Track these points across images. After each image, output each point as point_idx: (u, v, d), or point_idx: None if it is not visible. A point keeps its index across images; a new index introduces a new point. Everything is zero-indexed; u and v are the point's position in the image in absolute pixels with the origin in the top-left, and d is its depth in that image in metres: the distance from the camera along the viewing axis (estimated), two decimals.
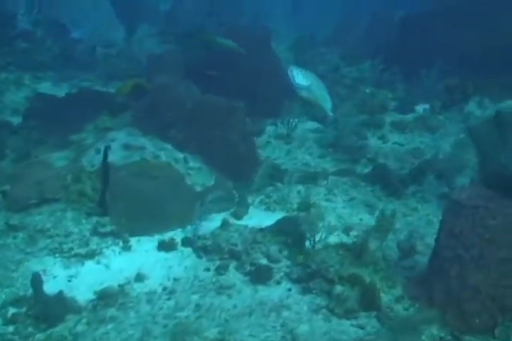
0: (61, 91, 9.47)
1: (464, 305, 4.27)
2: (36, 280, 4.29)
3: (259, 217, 5.91)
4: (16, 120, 7.63)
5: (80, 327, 4.22)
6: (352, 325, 4.31)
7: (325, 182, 6.81)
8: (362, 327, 4.29)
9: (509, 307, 4.22)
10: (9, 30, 10.89)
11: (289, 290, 4.67)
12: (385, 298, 4.53)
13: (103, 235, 5.25)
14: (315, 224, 5.47)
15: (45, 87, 10.04)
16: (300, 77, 6.49)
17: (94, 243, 5.17)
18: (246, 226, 5.31)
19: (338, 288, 4.51)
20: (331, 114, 6.85)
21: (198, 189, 5.86)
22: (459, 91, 8.44)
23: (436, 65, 9.01)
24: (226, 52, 8.16)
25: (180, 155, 6.03)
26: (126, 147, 5.82)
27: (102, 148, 5.34)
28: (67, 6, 12.76)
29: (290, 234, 5.21)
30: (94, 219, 5.34)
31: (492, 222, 4.24)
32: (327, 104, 6.67)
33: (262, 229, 5.31)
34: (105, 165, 5.24)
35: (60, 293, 4.38)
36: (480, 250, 4.25)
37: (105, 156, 5.23)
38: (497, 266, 4.23)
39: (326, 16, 18.99)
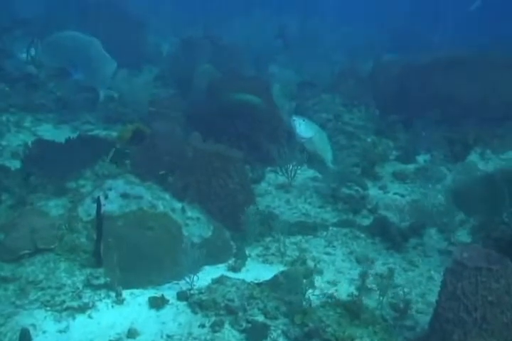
0: (62, 134, 9.49)
1: None
2: (25, 337, 4.16)
3: (257, 270, 5.79)
4: (15, 164, 7.56)
5: None
6: None
7: (325, 233, 6.72)
8: None
9: None
10: (12, 72, 10.96)
11: None
12: None
13: (96, 287, 5.12)
14: (312, 279, 5.39)
15: (46, 129, 10.05)
16: (303, 127, 6.51)
17: (87, 296, 5.03)
18: (243, 281, 5.19)
19: None
20: (331, 165, 6.83)
21: (196, 240, 5.75)
22: (460, 142, 8.44)
23: (437, 116, 9.03)
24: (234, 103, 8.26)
25: (179, 205, 5.95)
26: (124, 196, 5.74)
27: (96, 199, 5.25)
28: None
29: (287, 290, 5.08)
30: (88, 270, 5.21)
31: (495, 285, 4.14)
32: (328, 155, 6.66)
33: (259, 284, 5.20)
34: (99, 215, 5.15)
35: None
36: (483, 313, 4.14)
37: (98, 207, 5.15)
38: (501, 331, 4.11)
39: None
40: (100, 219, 5.15)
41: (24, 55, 12.18)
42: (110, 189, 5.80)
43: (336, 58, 19.58)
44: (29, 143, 7.52)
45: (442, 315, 4.31)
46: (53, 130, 10.12)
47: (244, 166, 6.86)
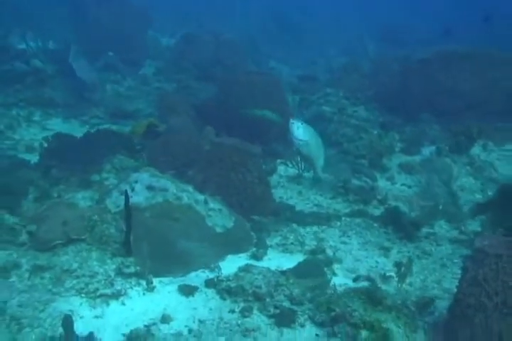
0: (71, 128, 9.71)
1: None
2: (67, 322, 4.36)
3: (278, 259, 6.02)
4: (31, 157, 7.73)
5: None
6: None
7: (338, 223, 6.95)
8: None
9: None
10: (21, 67, 11.09)
11: (316, 335, 4.74)
12: None
13: (127, 276, 5.33)
14: (334, 266, 5.63)
15: (56, 124, 10.23)
16: (300, 132, 6.72)
17: (119, 283, 5.24)
18: (269, 269, 5.41)
19: (364, 333, 4.60)
20: (319, 174, 7.04)
21: (219, 230, 5.97)
22: (464, 134, 8.69)
23: (440, 109, 9.28)
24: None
25: (201, 197, 6.16)
26: (150, 188, 5.93)
27: (124, 191, 5.45)
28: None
29: (312, 276, 5.32)
30: (119, 259, 5.43)
31: None
32: (319, 161, 6.87)
33: (284, 272, 5.42)
34: (127, 207, 5.35)
35: (91, 334, 4.45)
36: (504, 298, 4.37)
37: (127, 199, 5.35)
38: None
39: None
40: (129, 211, 5.36)
41: (22, 47, 12.35)
42: (136, 181, 5.99)
43: (330, 52, 19.90)
44: (47, 137, 7.67)
45: (463, 301, 4.54)
46: (62, 124, 10.30)
47: (261, 160, 7.06)
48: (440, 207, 7.15)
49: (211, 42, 14.24)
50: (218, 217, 6.11)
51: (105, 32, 14.02)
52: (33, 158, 7.64)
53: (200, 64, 13.32)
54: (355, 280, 5.54)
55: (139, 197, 5.83)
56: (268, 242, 6.34)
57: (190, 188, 6.21)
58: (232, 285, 5.20)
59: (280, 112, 8.58)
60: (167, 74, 13.77)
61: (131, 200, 5.46)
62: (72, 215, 5.61)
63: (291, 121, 6.96)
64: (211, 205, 6.17)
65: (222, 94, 9.17)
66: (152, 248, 5.50)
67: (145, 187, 5.94)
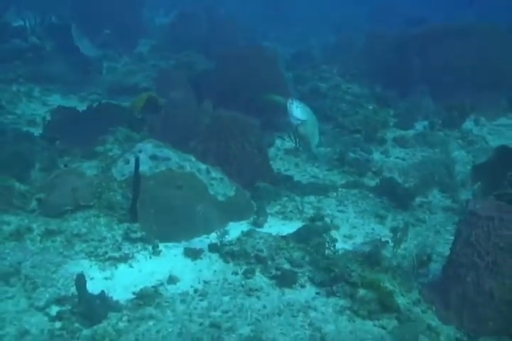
0: (70, 103, 9.81)
1: (479, 309, 4.63)
2: (80, 281, 4.57)
3: (278, 226, 6.25)
4: (34, 131, 7.88)
5: (122, 324, 4.50)
6: (375, 325, 4.65)
7: (335, 193, 7.18)
8: (384, 327, 4.63)
9: None
10: (20, 44, 11.18)
11: (317, 293, 4.99)
12: (403, 301, 4.89)
13: (134, 241, 5.54)
14: (332, 232, 5.86)
15: (55, 99, 10.37)
16: (298, 111, 6.89)
17: (126, 248, 5.46)
18: (270, 234, 5.64)
19: (361, 291, 4.85)
20: (313, 151, 7.24)
21: (220, 198, 6.18)
22: (457, 110, 8.91)
23: (434, 85, 9.48)
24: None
25: (203, 166, 6.35)
26: (153, 158, 6.12)
27: (134, 159, 5.63)
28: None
29: (311, 241, 5.55)
30: (125, 225, 5.64)
31: (506, 232, 4.62)
32: (314, 140, 7.06)
33: (284, 237, 5.65)
34: (137, 174, 5.54)
35: (102, 292, 4.67)
36: (494, 258, 4.63)
37: (137, 166, 5.54)
38: (510, 273, 4.61)
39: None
40: (138, 178, 5.56)
41: (19, 24, 12.42)
42: (140, 151, 6.18)
43: (323, 31, 20.01)
44: (49, 110, 7.83)
45: (456, 261, 4.80)
46: (62, 100, 10.44)
47: (260, 131, 7.24)
48: (435, 178, 7.35)
49: (205, 19, 14.33)
50: (220, 185, 6.31)
51: (100, 10, 14.08)
52: (36, 132, 7.80)
53: (196, 40, 13.41)
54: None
55: (143, 167, 6.01)
56: (268, 210, 6.55)
57: (193, 158, 6.40)
58: (235, 248, 5.43)
59: (277, 86, 8.76)
60: (162, 52, 13.89)
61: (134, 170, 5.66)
62: (80, 183, 5.80)
63: (290, 100, 7.11)
64: (213, 174, 6.37)
65: (218, 68, 9.30)
66: (157, 214, 5.71)
67: (148, 156, 6.13)
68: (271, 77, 9.03)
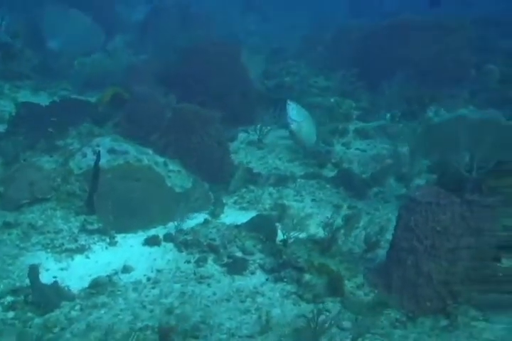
0: (40, 100, 9.87)
1: (418, 291, 4.84)
2: (33, 271, 4.72)
3: (234, 216, 6.41)
4: (2, 127, 7.97)
5: (74, 313, 4.66)
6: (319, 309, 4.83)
7: (294, 184, 7.35)
8: (328, 311, 4.82)
9: (457, 292, 4.80)
10: None
11: (266, 280, 5.17)
12: (348, 285, 5.08)
13: (90, 232, 5.70)
14: (285, 221, 6.03)
15: (25, 96, 10.41)
16: (294, 112, 7.07)
17: (83, 239, 5.62)
18: (223, 223, 5.81)
19: (307, 276, 5.04)
20: (308, 150, 7.39)
21: (178, 190, 6.34)
22: (417, 101, 9.11)
23: (397, 77, 9.66)
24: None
25: (161, 159, 6.51)
26: (111, 151, 6.27)
27: (96, 152, 5.78)
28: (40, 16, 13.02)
29: (263, 229, 5.73)
30: (82, 217, 5.80)
31: (443, 217, 4.82)
32: (310, 141, 7.24)
33: (237, 226, 5.83)
34: (96, 167, 5.70)
35: (55, 282, 4.82)
36: (432, 241, 4.83)
37: (97, 159, 5.70)
38: (446, 255, 4.82)
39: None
40: (97, 171, 5.71)
41: None
42: (98, 145, 6.32)
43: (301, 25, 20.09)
44: (15, 106, 7.93)
45: (398, 245, 4.99)
46: (32, 96, 10.46)
47: (220, 125, 7.39)
48: (392, 168, 7.54)
49: (177, 14, 14.42)
50: (177, 177, 6.47)
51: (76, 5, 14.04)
52: (2, 128, 7.88)
53: (167, 36, 13.51)
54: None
55: (101, 160, 6.14)
56: (225, 201, 6.71)
57: (150, 151, 6.56)
58: (189, 238, 5.60)
59: (240, 81, 8.93)
60: (135, 47, 13.98)
61: (92, 163, 5.81)
62: (38, 177, 5.94)
63: (288, 102, 7.29)
64: (170, 167, 6.53)
65: (182, 63, 9.42)
66: (114, 206, 5.86)
67: (106, 150, 6.28)
68: (233, 72, 9.16)
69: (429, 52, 10.18)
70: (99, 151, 5.69)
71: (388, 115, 9.36)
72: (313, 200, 6.96)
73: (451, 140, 5.92)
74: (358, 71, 10.52)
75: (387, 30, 10.61)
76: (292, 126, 7.19)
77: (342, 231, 5.75)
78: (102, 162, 6.13)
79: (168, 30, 13.91)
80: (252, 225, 5.84)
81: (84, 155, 6.24)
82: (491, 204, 4.90)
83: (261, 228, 5.78)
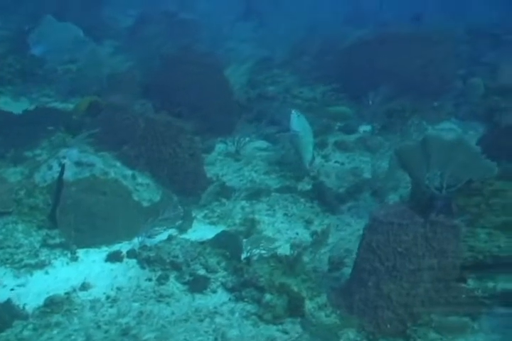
0: (20, 106, 9.79)
1: (379, 313, 4.74)
2: None
3: (202, 231, 6.32)
4: None
5: (26, 332, 4.54)
6: (278, 330, 4.73)
7: (267, 198, 7.24)
8: (286, 332, 4.71)
9: (417, 314, 4.71)
10: None
11: (227, 299, 5.07)
12: (309, 305, 4.97)
13: (52, 247, 5.59)
14: (252, 237, 5.93)
15: (4, 102, 10.30)
16: (295, 121, 6.99)
17: (44, 254, 5.51)
18: (188, 240, 5.70)
19: (267, 296, 4.93)
20: (306, 166, 7.31)
21: (145, 204, 6.23)
22: (398, 114, 9.02)
23: (380, 90, 9.57)
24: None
25: (129, 172, 6.40)
26: (77, 164, 6.16)
27: (60, 165, 5.69)
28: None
29: (229, 246, 5.62)
30: (44, 231, 5.69)
31: (405, 237, 4.73)
32: (307, 155, 7.16)
33: (202, 243, 5.72)
34: (60, 180, 5.60)
35: (9, 300, 4.71)
36: (394, 262, 4.74)
37: (62, 172, 5.60)
38: (408, 277, 4.72)
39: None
40: (60, 185, 5.62)
41: None
42: (64, 157, 6.21)
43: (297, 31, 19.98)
44: None
45: (360, 265, 4.90)
46: (12, 102, 10.35)
47: (194, 136, 7.29)
48: (368, 182, 7.45)
49: (165, 22, 14.35)
50: (146, 191, 6.37)
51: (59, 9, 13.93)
52: None
53: (153, 44, 13.43)
54: None
55: (67, 172, 6.05)
56: (195, 215, 6.61)
57: (118, 163, 6.46)
58: (151, 255, 5.49)
59: (219, 92, 8.85)
60: (123, 54, 13.89)
61: (57, 176, 5.71)
62: (1, 189, 5.82)
63: (292, 111, 7.22)
64: (139, 180, 6.43)
65: (163, 72, 9.35)
66: (78, 220, 5.75)
67: (73, 162, 6.17)
68: (214, 82, 9.07)
69: (412, 65, 10.07)
70: (63, 164, 5.59)
71: (369, 127, 9.27)
72: (285, 215, 6.85)
73: (422, 159, 5.82)
74: (338, 84, 10.45)
75: (371, 42, 10.51)
76: (291, 135, 7.13)
77: (308, 248, 5.64)
78: (68, 174, 6.03)
79: (155, 37, 13.82)
80: (217, 241, 5.73)
81: (50, 168, 6.14)
82: (455, 225, 4.79)
83: (227, 244, 5.67)
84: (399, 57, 10.22)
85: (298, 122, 7.06)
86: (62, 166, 5.56)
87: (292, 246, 5.85)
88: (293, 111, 7.15)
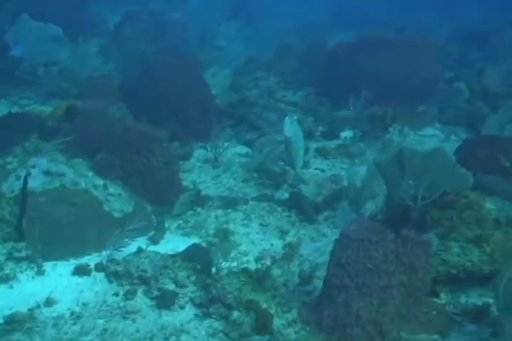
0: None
1: (347, 330, 4.64)
2: None
3: (175, 242, 6.20)
4: None
5: None
6: None
7: (244, 207, 7.14)
8: None
9: (386, 331, 4.61)
10: None
11: (195, 315, 4.95)
12: (278, 322, 4.86)
13: (18, 260, 5.45)
14: (224, 250, 5.80)
15: None
16: (287, 126, 6.88)
17: (9, 268, 5.36)
18: (157, 253, 5.57)
19: (235, 314, 4.82)
20: (297, 171, 7.19)
21: (116, 215, 6.11)
22: (379, 119, 8.92)
23: (362, 94, 9.47)
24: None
25: (101, 182, 6.30)
26: (47, 173, 6.05)
27: (23, 175, 5.54)
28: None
29: (199, 260, 5.50)
30: (10, 244, 5.54)
31: (375, 254, 4.62)
32: (297, 161, 7.04)
33: (173, 255, 5.59)
34: (24, 191, 5.45)
35: None
36: (363, 279, 4.63)
37: (25, 183, 5.45)
38: (378, 294, 4.62)
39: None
40: (25, 195, 5.47)
41: None
42: (34, 167, 6.09)
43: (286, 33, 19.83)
44: None
45: (330, 281, 4.79)
46: None
47: (169, 144, 7.18)
48: (345, 190, 7.35)
49: (149, 22, 14.18)
50: (117, 201, 6.26)
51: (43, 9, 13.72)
52: None
53: (137, 45, 13.27)
54: None
55: (36, 182, 5.94)
56: (169, 225, 6.50)
57: (90, 173, 6.35)
58: (119, 269, 5.36)
59: (198, 96, 8.75)
60: (107, 54, 13.71)
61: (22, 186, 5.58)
62: None
63: (286, 117, 7.12)
64: (111, 190, 6.32)
65: (143, 76, 9.21)
66: (45, 232, 5.62)
67: (42, 172, 6.06)
68: (193, 86, 8.94)
69: (395, 69, 9.97)
70: (25, 175, 5.45)
71: (351, 133, 9.17)
72: (260, 225, 6.74)
73: (397, 170, 5.74)
74: (320, 88, 10.34)
75: (353, 46, 10.40)
76: (285, 140, 7.03)
77: (279, 261, 5.55)
78: (37, 184, 5.93)
79: (139, 38, 13.65)
80: (188, 254, 5.61)
81: (18, 178, 6.01)
82: (425, 241, 4.70)
83: (197, 258, 5.55)
84: (382, 62, 10.10)
85: (290, 128, 6.93)
86: (25, 177, 5.40)
87: (258, 260, 5.78)
88: (287, 117, 7.04)
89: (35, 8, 13.31)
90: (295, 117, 7.11)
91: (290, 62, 12.54)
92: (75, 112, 8.22)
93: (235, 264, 5.71)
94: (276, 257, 5.92)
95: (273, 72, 11.78)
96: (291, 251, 5.72)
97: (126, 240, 5.90)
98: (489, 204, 5.50)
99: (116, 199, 6.26)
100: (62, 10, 14.02)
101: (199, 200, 7.02)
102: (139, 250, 5.62)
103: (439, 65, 10.95)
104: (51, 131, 7.83)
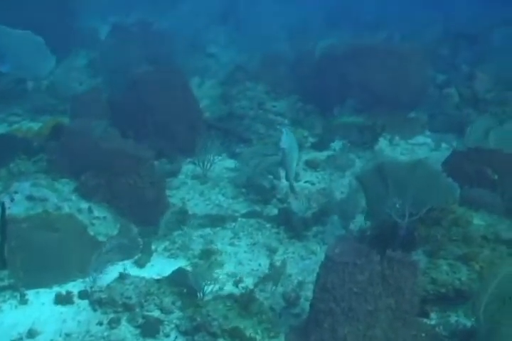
0: None
1: None
2: None
3: (161, 265, 6.10)
4: None
5: None
6: None
7: (233, 224, 7.04)
8: None
9: None
10: None
11: None
12: None
13: (1, 289, 5.37)
14: (209, 274, 5.69)
15: None
16: (283, 138, 6.84)
17: None
18: (142, 278, 5.47)
19: None
20: (291, 182, 7.11)
21: (101, 239, 6.02)
22: (369, 129, 8.84)
23: (347, 103, 9.40)
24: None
25: (85, 205, 6.20)
26: (29, 198, 5.96)
27: (1, 202, 5.44)
28: None
29: (185, 284, 5.41)
30: None
31: (360, 277, 4.53)
32: (289, 171, 6.97)
33: (158, 281, 5.50)
34: (3, 218, 5.35)
35: None
36: (349, 303, 4.54)
37: (3, 210, 5.35)
38: (364, 318, 4.53)
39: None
40: (4, 222, 5.36)
41: None
42: (16, 192, 6.00)
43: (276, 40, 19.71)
44: None
45: (316, 306, 4.69)
46: None
47: (154, 163, 7.09)
48: (335, 205, 7.25)
49: (138, 33, 14.06)
50: (102, 225, 6.17)
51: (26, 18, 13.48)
52: None
53: (125, 57, 13.15)
54: None
55: (19, 208, 5.87)
56: (156, 247, 6.40)
57: (74, 197, 6.26)
58: (103, 296, 5.27)
59: (186, 110, 8.68)
60: (94, 67, 13.61)
61: (9, 211, 5.47)
62: None
63: (283, 129, 7.10)
64: (96, 213, 6.23)
65: (129, 92, 9.11)
66: (27, 259, 5.53)
67: (25, 197, 5.97)
68: (180, 101, 8.85)
69: (384, 77, 9.88)
70: (3, 202, 5.34)
71: (340, 144, 9.08)
72: (249, 244, 6.64)
73: (379, 184, 5.66)
74: (308, 97, 10.25)
75: (341, 55, 10.31)
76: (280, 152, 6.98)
77: (265, 283, 5.46)
78: (19, 210, 5.86)
79: (124, 52, 13.50)
80: (173, 279, 5.52)
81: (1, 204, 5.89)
82: (412, 262, 4.61)
83: (183, 282, 5.46)
84: (370, 70, 10.02)
85: (286, 140, 6.89)
86: (2, 204, 5.30)
87: (236, 283, 5.69)
88: (283, 130, 7.02)
89: (18, 18, 13.14)
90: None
91: (279, 70, 12.42)
92: (61, 130, 8.13)
93: (222, 287, 5.63)
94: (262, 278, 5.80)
95: (261, 82, 11.65)
96: (275, 273, 5.61)
97: (108, 264, 5.82)
98: (477, 220, 5.41)
99: (102, 223, 6.17)
100: (48, 20, 13.77)
101: (185, 219, 6.91)
102: (122, 276, 5.52)
103: (431, 69, 10.85)
104: (37, 151, 7.75)
